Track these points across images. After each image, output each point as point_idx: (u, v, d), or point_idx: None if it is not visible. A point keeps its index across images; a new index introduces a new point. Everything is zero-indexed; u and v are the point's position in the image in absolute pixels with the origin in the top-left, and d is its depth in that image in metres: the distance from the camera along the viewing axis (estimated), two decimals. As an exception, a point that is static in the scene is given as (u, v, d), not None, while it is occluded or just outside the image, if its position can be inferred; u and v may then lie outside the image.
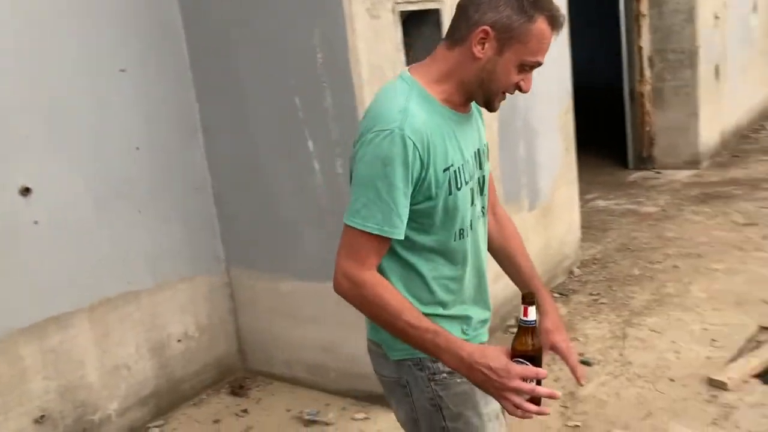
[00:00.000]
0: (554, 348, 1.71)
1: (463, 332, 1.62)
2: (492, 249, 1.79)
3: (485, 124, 1.73)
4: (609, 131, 8.40)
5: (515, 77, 1.48)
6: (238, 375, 3.73)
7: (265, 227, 3.44)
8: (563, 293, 4.36)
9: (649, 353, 3.48)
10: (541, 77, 4.24)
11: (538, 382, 1.40)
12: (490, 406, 1.61)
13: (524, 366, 1.38)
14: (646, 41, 7.17)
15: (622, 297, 4.19)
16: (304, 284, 3.38)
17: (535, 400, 1.40)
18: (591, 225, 5.72)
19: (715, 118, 7.65)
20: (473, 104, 1.62)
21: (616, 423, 2.94)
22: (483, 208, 1.66)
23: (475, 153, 1.60)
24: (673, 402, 3.03)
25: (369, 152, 1.43)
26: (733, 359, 3.28)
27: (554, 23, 1.46)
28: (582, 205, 6.29)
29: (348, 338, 3.27)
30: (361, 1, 2.88)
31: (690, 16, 6.97)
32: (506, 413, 1.46)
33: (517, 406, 1.38)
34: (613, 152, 7.99)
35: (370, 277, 1.46)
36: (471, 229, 1.59)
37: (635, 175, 7.29)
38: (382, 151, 1.41)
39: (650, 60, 7.21)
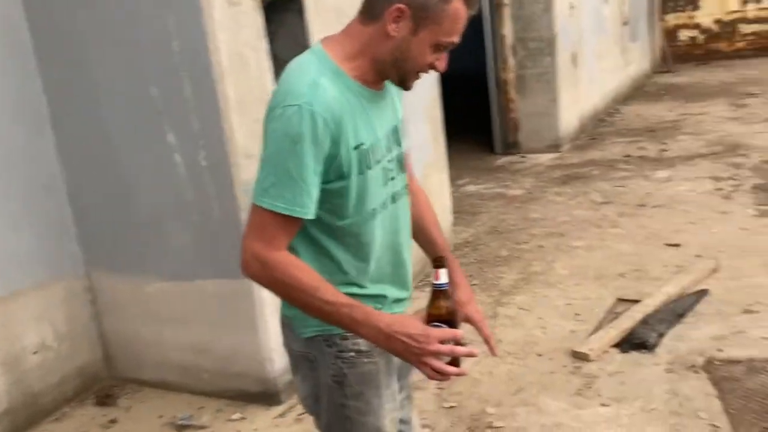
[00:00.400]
0: (468, 319, 1.70)
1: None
2: None
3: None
4: (477, 117, 8.68)
5: (430, 57, 1.46)
6: (104, 384, 3.52)
7: (126, 226, 3.25)
8: (437, 277, 4.45)
9: (518, 330, 3.62)
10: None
11: (457, 344, 1.42)
12: (392, 387, 1.64)
13: (442, 329, 1.40)
14: (508, 30, 7.44)
15: (492, 278, 4.33)
16: (171, 284, 3.23)
17: (455, 361, 1.43)
18: (462, 209, 5.88)
19: (574, 103, 8.08)
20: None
21: (490, 401, 3.03)
22: (404, 186, 1.63)
23: (391, 130, 1.56)
24: (541, 376, 3.17)
25: (277, 128, 1.38)
26: (594, 331, 3.48)
27: (470, 3, 1.44)
28: (454, 190, 6.44)
29: (220, 337, 3.16)
30: (217, -14, 2.77)
31: (547, 6, 7.30)
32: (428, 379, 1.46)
33: (438, 370, 1.39)
34: (481, 138, 8.25)
35: (280, 257, 1.42)
36: (386, 208, 1.56)
37: (502, 160, 7.57)
38: (291, 128, 1.36)
39: (513, 48, 7.49)
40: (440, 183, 4.79)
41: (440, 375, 1.41)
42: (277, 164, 1.38)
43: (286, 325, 1.65)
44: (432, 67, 1.49)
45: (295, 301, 1.45)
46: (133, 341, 3.45)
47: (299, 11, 3.31)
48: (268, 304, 3.04)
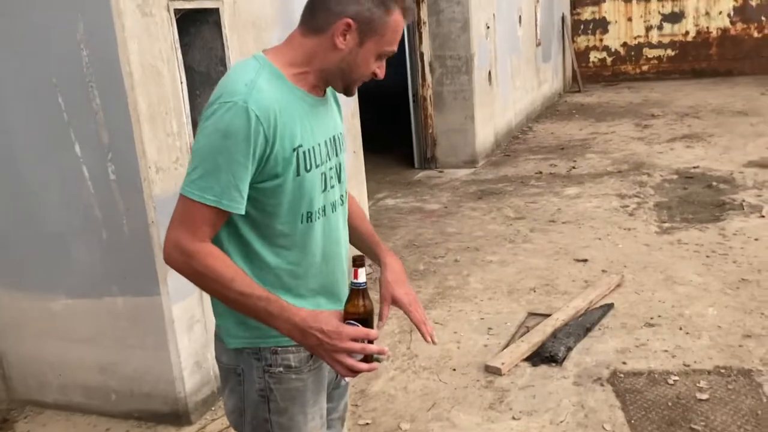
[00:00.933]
0: (396, 301, 1.67)
1: None
2: None
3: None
4: (398, 133, 8.78)
5: (373, 66, 1.53)
6: (1, 407, 3.32)
7: (30, 241, 3.10)
8: (354, 292, 4.46)
9: (433, 346, 3.66)
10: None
11: (370, 342, 1.44)
12: (317, 405, 1.63)
13: (356, 327, 1.43)
14: (426, 47, 7.58)
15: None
16: (77, 302, 3.10)
17: (367, 358, 1.45)
18: (381, 223, 5.92)
19: (490, 120, 8.30)
20: (329, 91, 1.62)
21: (404, 416, 3.05)
22: (342, 196, 1.64)
23: (330, 139, 1.58)
24: (454, 390, 3.22)
25: (210, 124, 1.40)
26: (506, 345, 3.56)
27: (407, 14, 1.52)
28: (372, 204, 6.50)
29: (128, 357, 3.05)
30: (130, -4, 2.69)
31: (465, 25, 7.49)
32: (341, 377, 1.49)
33: (349, 367, 1.42)
34: (401, 153, 8.36)
35: (201, 247, 1.42)
36: (323, 215, 1.56)
37: (421, 174, 7.68)
38: (224, 123, 1.38)
39: (431, 65, 7.63)
40: (358, 197, 4.81)
41: (351, 372, 1.43)
42: (207, 157, 1.40)
43: (217, 336, 1.63)
44: (374, 74, 1.55)
45: (213, 292, 1.46)
46: (35, 362, 3.28)
47: (216, 23, 3.26)
48: (179, 323, 2.96)
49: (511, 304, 4.10)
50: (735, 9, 13.48)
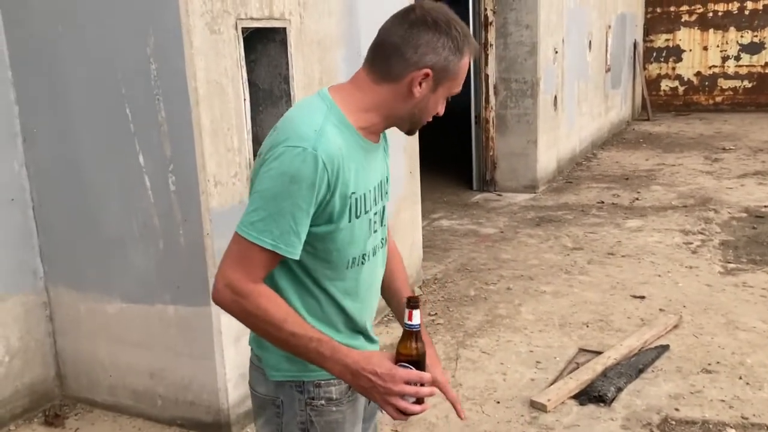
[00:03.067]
0: (435, 382, 1.59)
1: None
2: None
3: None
4: (457, 153, 8.74)
5: (440, 107, 1.54)
6: (54, 402, 3.43)
7: (91, 244, 3.20)
8: (403, 314, 4.44)
9: (479, 375, 3.61)
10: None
11: (422, 385, 1.43)
12: None
13: (408, 370, 1.42)
14: (492, 70, 7.54)
15: (458, 318, 4.33)
16: (131, 306, 3.18)
17: (419, 400, 1.44)
18: (434, 245, 5.89)
19: (553, 145, 8.18)
20: (383, 133, 1.60)
21: (444, 446, 3.01)
22: (383, 239, 1.65)
23: (378, 184, 1.57)
24: (497, 424, 3.15)
25: (276, 166, 1.38)
26: (554, 381, 3.47)
27: (474, 53, 1.52)
28: (427, 224, 6.48)
29: (176, 364, 3.11)
30: (200, 14, 2.77)
31: (533, 49, 7.42)
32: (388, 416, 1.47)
33: (402, 410, 1.41)
34: (459, 174, 8.31)
35: (254, 288, 1.42)
36: (368, 259, 1.57)
37: (478, 197, 7.61)
38: (292, 168, 1.37)
39: (495, 88, 7.58)
40: (412, 217, 4.80)
41: (403, 415, 1.43)
42: (270, 200, 1.39)
43: (256, 366, 1.63)
44: (437, 113, 1.57)
45: (264, 332, 1.46)
46: (88, 361, 3.38)
47: (282, 42, 3.32)
48: (227, 334, 3.00)
49: (562, 338, 4.00)
50: (819, 42, 12.95)
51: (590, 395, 3.31)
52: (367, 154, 1.51)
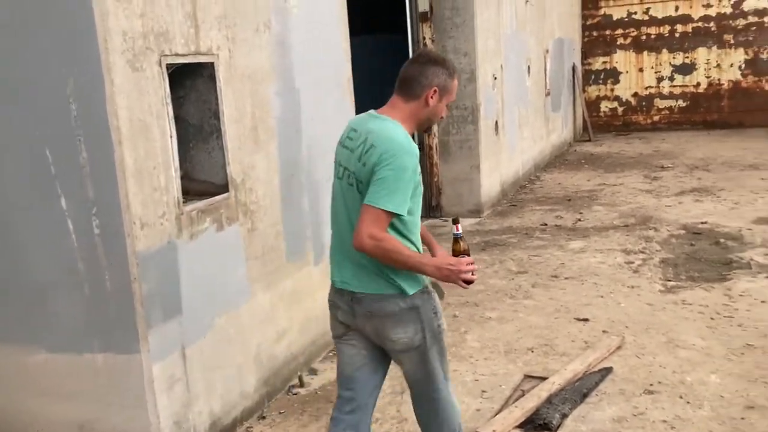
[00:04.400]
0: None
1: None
2: None
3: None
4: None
5: (445, 111, 2.55)
6: (-22, 462, 3.24)
7: (12, 291, 3.05)
8: (348, 347, 4.37)
9: (425, 408, 3.54)
10: (325, 129, 4.27)
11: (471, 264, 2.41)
12: None
13: (464, 258, 2.40)
14: (433, 97, 7.58)
15: (404, 349, 4.27)
16: (59, 356, 3.03)
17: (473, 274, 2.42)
18: (381, 274, 5.84)
19: (496, 169, 8.27)
20: None
21: (389, 485, 2.93)
22: None
23: None
24: (443, 458, 3.09)
25: (394, 162, 2.29)
26: (500, 410, 3.44)
27: (458, 77, 2.58)
28: (374, 253, 6.43)
29: (107, 414, 2.97)
30: (120, 51, 2.69)
31: (472, 76, 7.52)
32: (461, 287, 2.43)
33: (466, 281, 2.36)
34: (406, 200, 8.30)
35: (385, 235, 2.30)
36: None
37: (425, 223, 7.55)
38: (405, 163, 2.30)
39: (437, 115, 7.62)
40: (356, 250, 4.74)
41: (468, 284, 2.39)
42: (393, 183, 2.28)
43: (390, 296, 2.44)
44: (442, 117, 2.56)
45: (394, 261, 2.32)
46: (12, 416, 3.20)
47: (211, 77, 3.26)
48: (159, 382, 2.89)
49: (507, 365, 3.98)
50: (746, 62, 13.49)
51: (535, 423, 3.28)
52: None
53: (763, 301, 4.66)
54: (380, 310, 2.45)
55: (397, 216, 2.34)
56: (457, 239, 2.46)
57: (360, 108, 5.97)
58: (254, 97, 3.54)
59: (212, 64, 3.24)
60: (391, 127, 2.39)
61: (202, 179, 3.40)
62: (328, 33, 4.34)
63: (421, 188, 2.43)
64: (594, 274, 5.49)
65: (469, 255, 2.44)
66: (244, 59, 3.46)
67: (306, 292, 4.05)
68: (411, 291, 2.44)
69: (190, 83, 3.29)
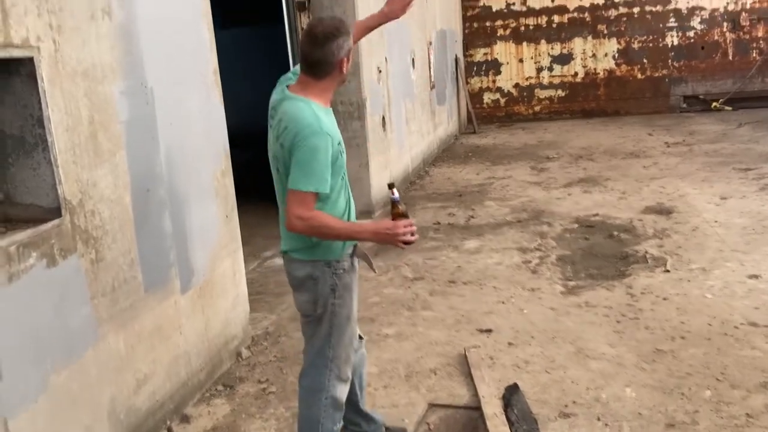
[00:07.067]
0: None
1: None
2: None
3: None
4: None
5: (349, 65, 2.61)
6: None
7: None
8: (228, 384, 3.79)
9: (318, 455, 3.05)
10: (187, 132, 3.67)
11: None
12: (356, 295, 2.72)
13: (402, 221, 2.49)
14: (314, 92, 7.06)
15: (293, 382, 3.74)
16: None
17: (412, 235, 2.52)
18: (266, 290, 5.30)
19: (385, 167, 7.87)
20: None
21: None
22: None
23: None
24: None
25: (306, 145, 2.39)
26: (404, 451, 3.01)
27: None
28: (257, 265, 5.88)
29: None
30: None
31: (356, 70, 7.04)
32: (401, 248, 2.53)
33: (406, 242, 2.47)
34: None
35: (312, 213, 2.42)
36: (344, 184, 2.62)
37: (312, 228, 7.09)
38: (316, 143, 2.39)
39: (320, 111, 7.12)
40: (233, 268, 4.17)
41: (407, 244, 2.48)
42: (308, 164, 2.39)
43: (292, 260, 2.63)
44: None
45: (325, 235, 2.47)
46: None
47: (31, 75, 2.60)
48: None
49: (409, 392, 3.56)
50: (619, 51, 13.87)
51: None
52: (331, 116, 2.59)
53: (665, 299, 4.51)
54: (290, 270, 2.65)
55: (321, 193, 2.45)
56: (394, 203, 2.55)
57: (243, 102, 5.26)
58: (92, 98, 2.90)
59: (31, 59, 2.58)
60: (301, 107, 2.46)
61: (28, 203, 2.73)
62: (187, 20, 3.73)
63: (343, 158, 2.52)
64: (492, 277, 5.19)
65: (407, 217, 2.52)
66: (76, 52, 2.81)
67: (172, 327, 3.45)
68: (310, 258, 2.56)
69: (3, 84, 2.62)
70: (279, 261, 5.99)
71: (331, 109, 2.61)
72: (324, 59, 2.47)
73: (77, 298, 2.79)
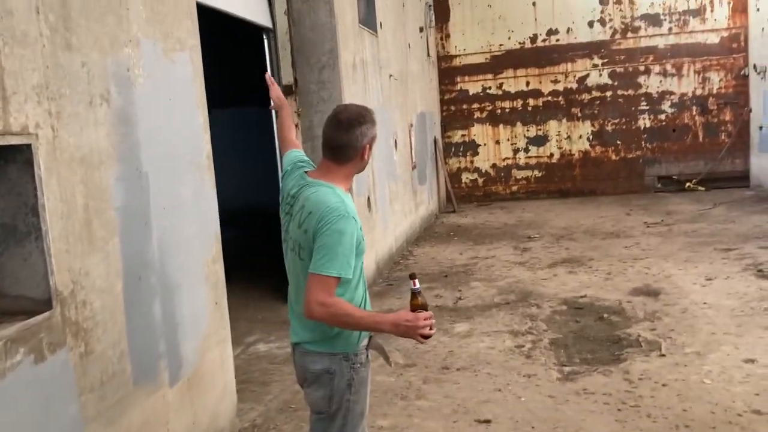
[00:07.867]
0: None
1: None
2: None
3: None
4: (268, 262, 8.06)
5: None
6: None
7: None
8: (216, 483, 3.58)
9: None
10: (180, 218, 3.58)
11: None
12: (370, 387, 2.66)
13: (422, 313, 2.40)
14: (300, 173, 7.06)
15: (285, 480, 3.55)
16: None
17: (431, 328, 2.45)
18: (251, 378, 5.10)
19: (371, 247, 7.80)
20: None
21: None
22: None
23: None
24: None
25: (328, 227, 2.36)
26: None
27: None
28: (241, 351, 5.69)
29: None
30: None
31: (341, 151, 7.08)
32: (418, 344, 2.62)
33: (425, 336, 2.39)
34: (273, 284, 7.61)
35: (334, 300, 2.36)
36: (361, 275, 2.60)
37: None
38: (342, 227, 2.37)
39: (306, 193, 7.09)
40: (221, 357, 4.01)
41: (426, 339, 2.41)
42: (333, 248, 2.35)
43: (307, 353, 2.53)
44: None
45: (346, 323, 2.39)
46: None
47: (27, 162, 2.53)
48: None
49: (409, 491, 3.38)
50: (593, 133, 14.23)
51: None
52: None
53: (664, 384, 4.42)
54: (304, 364, 2.55)
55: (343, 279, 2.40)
56: (415, 294, 2.46)
57: (228, 186, 5.29)
58: (88, 185, 2.82)
59: (29, 146, 2.52)
60: (327, 192, 2.45)
61: (16, 294, 2.60)
62: (183, 106, 3.71)
63: (364, 243, 2.48)
64: (486, 362, 5.07)
65: (427, 309, 2.43)
66: (74, 139, 2.76)
67: (159, 422, 3.26)
68: (330, 352, 2.48)
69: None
70: (263, 347, 5.85)
71: (350, 194, 2.57)
72: (348, 144, 2.47)
73: (65, 396, 2.62)
